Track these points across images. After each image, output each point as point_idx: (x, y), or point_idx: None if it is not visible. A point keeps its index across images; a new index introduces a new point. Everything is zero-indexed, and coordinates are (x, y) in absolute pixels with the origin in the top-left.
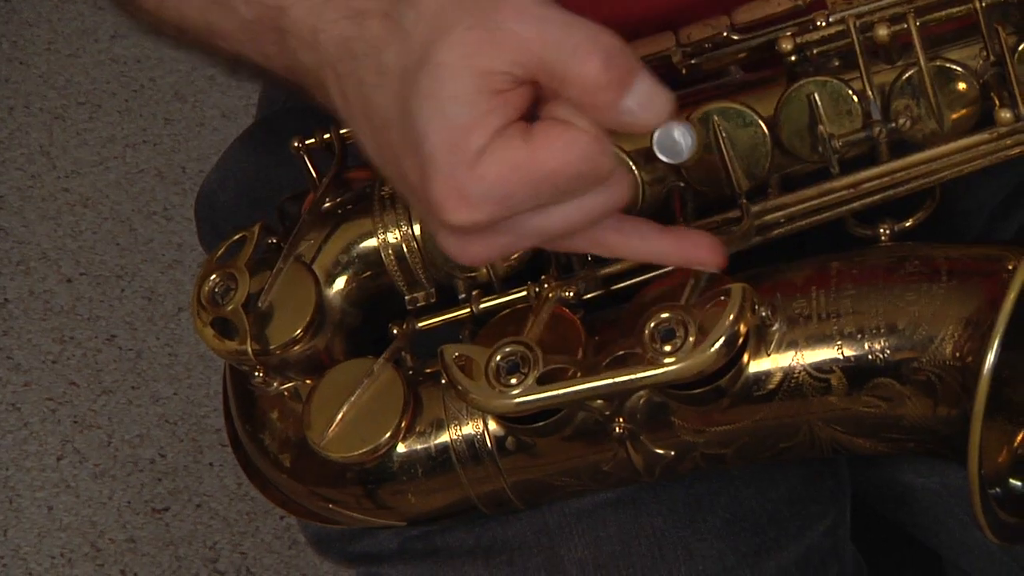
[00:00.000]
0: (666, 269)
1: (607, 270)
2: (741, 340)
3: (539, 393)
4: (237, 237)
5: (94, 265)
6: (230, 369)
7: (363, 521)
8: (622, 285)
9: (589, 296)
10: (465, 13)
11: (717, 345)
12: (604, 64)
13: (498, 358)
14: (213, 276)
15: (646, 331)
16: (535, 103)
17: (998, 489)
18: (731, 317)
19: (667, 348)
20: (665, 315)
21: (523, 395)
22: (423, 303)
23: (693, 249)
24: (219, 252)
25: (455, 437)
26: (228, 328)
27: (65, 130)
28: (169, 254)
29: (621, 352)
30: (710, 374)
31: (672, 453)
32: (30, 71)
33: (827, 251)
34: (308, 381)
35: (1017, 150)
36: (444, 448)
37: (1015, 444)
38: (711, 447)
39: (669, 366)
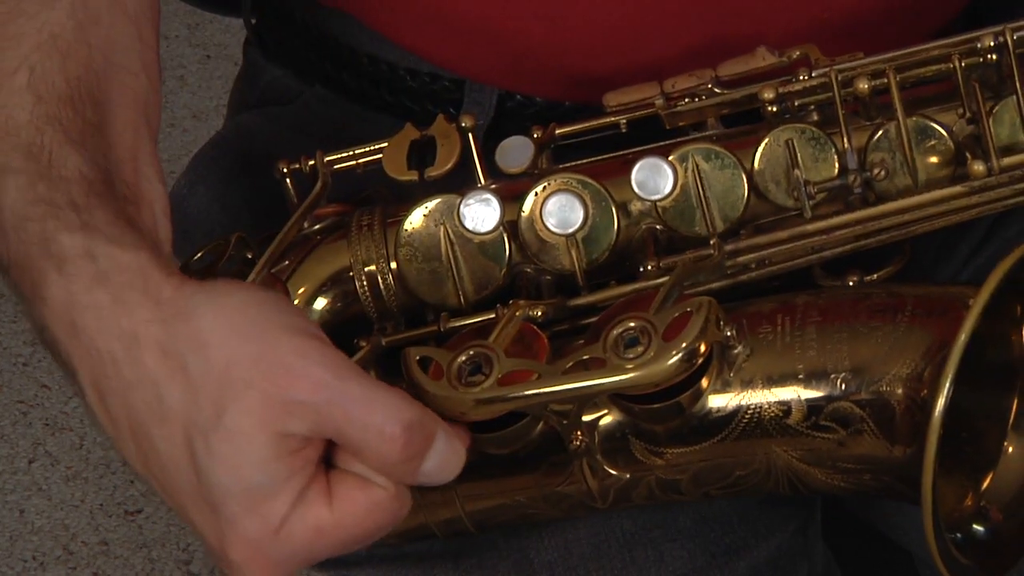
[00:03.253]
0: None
1: (578, 301)
2: (703, 356)
3: (499, 393)
4: (213, 244)
5: None
6: None
7: None
8: (592, 319)
9: (559, 328)
10: (257, 375)
11: (679, 355)
12: (404, 444)
13: (461, 359)
14: None
15: (610, 337)
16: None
17: (958, 534)
18: (696, 329)
19: (629, 355)
20: (631, 324)
21: (482, 394)
22: (391, 332)
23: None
24: (194, 258)
25: None
26: None
27: None
28: None
29: (584, 357)
30: (670, 389)
31: (627, 475)
32: None
33: None
34: None
35: (989, 206)
36: None
37: (980, 491)
38: (666, 472)
39: (629, 372)
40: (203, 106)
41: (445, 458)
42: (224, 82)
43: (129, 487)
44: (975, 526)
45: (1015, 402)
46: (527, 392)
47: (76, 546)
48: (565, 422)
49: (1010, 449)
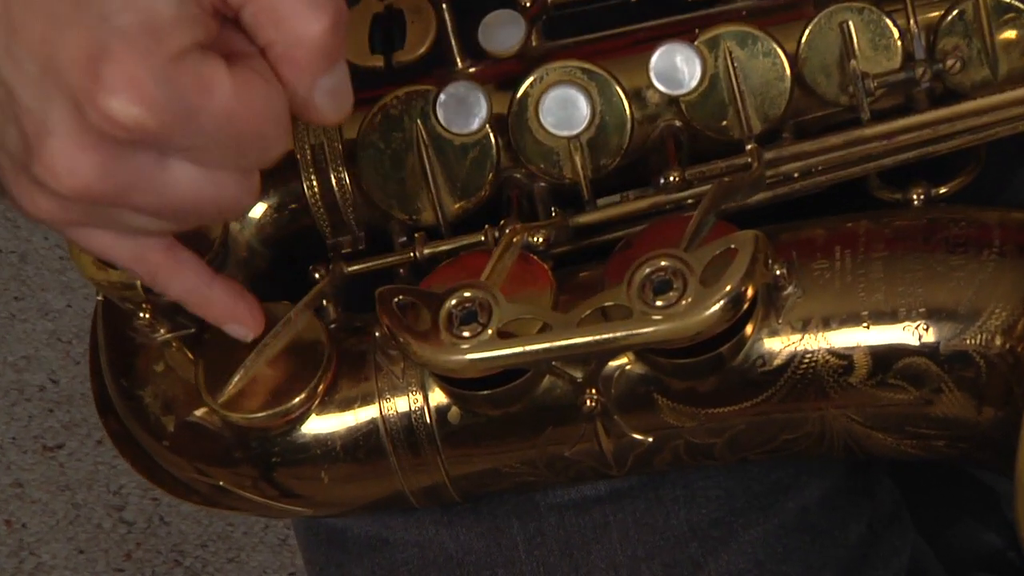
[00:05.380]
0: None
1: (582, 219)
2: (749, 301)
3: (500, 349)
4: None
5: None
6: (104, 310)
7: (262, 507)
8: (599, 239)
9: (559, 251)
10: None
11: (721, 303)
12: (331, 29)
13: (452, 303)
14: None
15: (636, 280)
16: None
17: None
18: (741, 270)
19: (660, 303)
20: (661, 263)
21: (479, 350)
22: (349, 249)
23: (238, 309)
24: None
25: (387, 409)
26: None
27: None
28: None
29: (604, 304)
30: (708, 340)
31: (650, 439)
32: None
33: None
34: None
35: None
36: (372, 422)
37: None
38: (698, 435)
39: (660, 324)
40: None
41: (342, 84)
42: None
43: (48, 417)
44: None
45: None
46: (534, 347)
47: None
48: (578, 380)
49: None
